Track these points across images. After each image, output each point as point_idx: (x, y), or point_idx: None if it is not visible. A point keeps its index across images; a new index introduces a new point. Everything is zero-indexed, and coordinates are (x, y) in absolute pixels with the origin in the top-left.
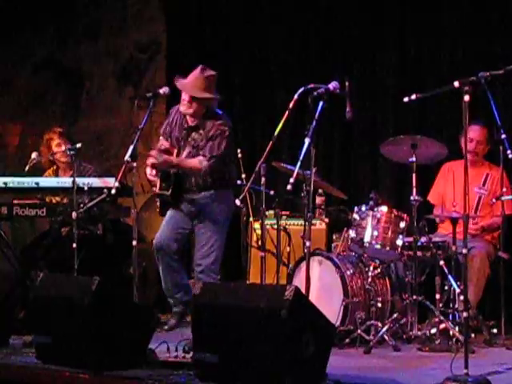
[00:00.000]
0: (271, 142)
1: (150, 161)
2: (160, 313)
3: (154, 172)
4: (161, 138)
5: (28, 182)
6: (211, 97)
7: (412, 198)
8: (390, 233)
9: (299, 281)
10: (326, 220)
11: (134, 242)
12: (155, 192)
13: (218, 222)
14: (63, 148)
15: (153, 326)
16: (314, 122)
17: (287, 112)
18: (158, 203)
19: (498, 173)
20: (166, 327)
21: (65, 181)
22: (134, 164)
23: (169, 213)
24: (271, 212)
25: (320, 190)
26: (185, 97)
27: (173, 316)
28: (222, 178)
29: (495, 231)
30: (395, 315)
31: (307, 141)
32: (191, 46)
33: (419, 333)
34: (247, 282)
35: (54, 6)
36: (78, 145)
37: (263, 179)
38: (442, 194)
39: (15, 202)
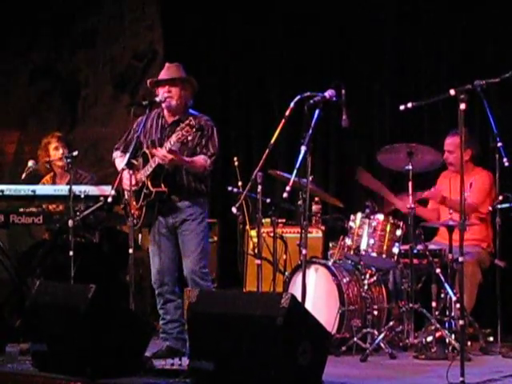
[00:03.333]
0: (267, 150)
1: (158, 158)
2: (156, 321)
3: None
4: (124, 172)
5: (25, 189)
6: (189, 77)
7: (408, 205)
8: (386, 241)
9: (295, 288)
10: (323, 228)
11: (131, 250)
12: (152, 190)
13: (202, 225)
14: (61, 151)
15: (149, 334)
16: (310, 130)
17: (283, 120)
18: (144, 210)
19: (484, 176)
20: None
21: (61, 189)
22: (131, 172)
23: (152, 247)
24: (267, 220)
25: (316, 198)
26: (163, 89)
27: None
28: (206, 185)
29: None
30: (391, 323)
31: (303, 149)
32: (187, 54)
33: (415, 341)
34: (243, 289)
35: (51, 14)
36: (75, 153)
37: (259, 187)
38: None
39: (12, 209)
